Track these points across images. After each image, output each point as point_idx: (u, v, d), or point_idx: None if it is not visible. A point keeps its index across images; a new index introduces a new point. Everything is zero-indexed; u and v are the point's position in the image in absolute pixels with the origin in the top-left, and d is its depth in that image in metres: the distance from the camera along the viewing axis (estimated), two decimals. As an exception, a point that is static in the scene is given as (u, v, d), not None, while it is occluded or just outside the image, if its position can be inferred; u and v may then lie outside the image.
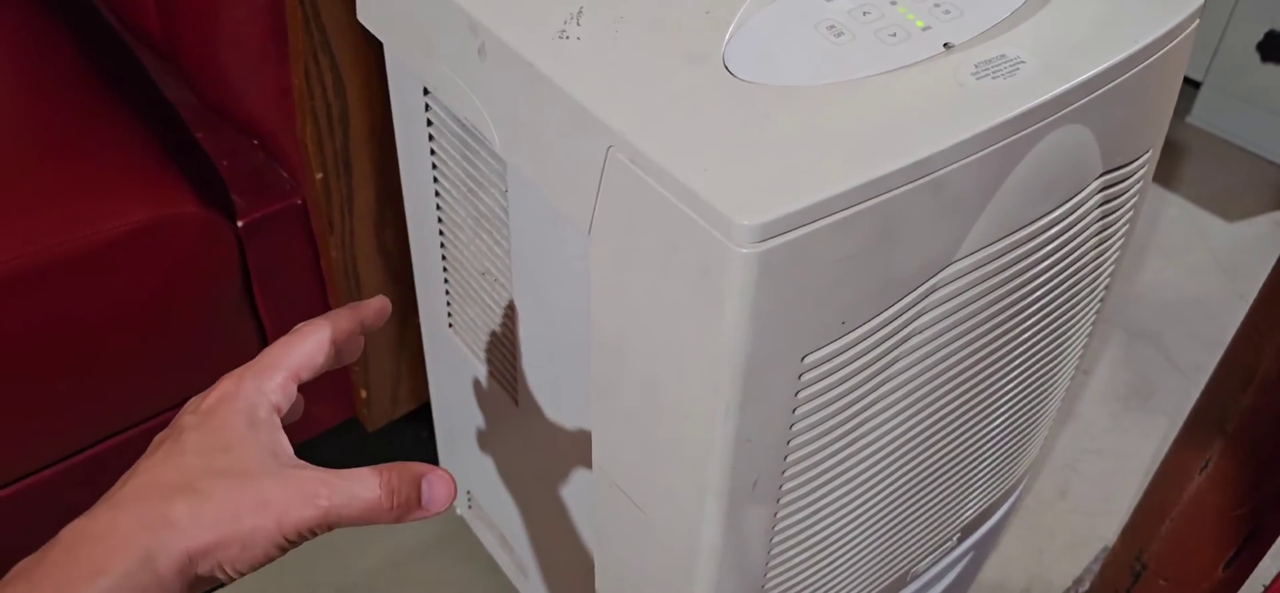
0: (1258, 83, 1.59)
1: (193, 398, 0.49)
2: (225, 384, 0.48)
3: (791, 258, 0.45)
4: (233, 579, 0.44)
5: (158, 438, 0.47)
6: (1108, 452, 1.23)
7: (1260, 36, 1.55)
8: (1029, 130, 0.50)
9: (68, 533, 0.42)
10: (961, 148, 0.48)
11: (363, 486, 0.46)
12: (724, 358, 0.48)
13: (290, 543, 0.44)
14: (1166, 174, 1.62)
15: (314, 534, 0.45)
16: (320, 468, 0.46)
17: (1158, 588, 0.81)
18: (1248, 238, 1.48)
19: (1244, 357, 0.68)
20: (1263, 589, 0.75)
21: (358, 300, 0.55)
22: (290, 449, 0.47)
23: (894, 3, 0.56)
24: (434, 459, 1.04)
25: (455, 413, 0.92)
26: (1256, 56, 1.57)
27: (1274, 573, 0.76)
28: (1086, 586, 1.10)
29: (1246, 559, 0.76)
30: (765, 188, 0.45)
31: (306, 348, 0.50)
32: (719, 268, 0.45)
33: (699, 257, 0.46)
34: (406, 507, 0.47)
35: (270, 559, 0.44)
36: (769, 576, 0.62)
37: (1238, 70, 1.61)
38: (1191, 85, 1.71)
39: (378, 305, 0.55)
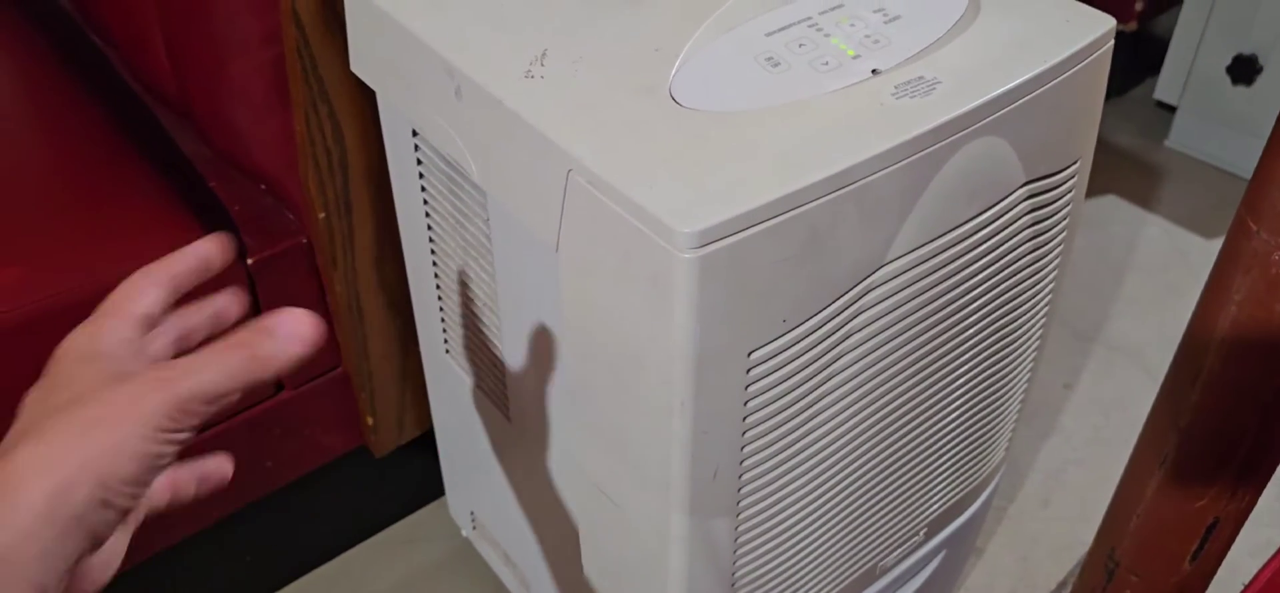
0: (1230, 105, 1.65)
1: None
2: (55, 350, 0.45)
3: (730, 261, 0.51)
4: (130, 505, 0.41)
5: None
6: (1089, 462, 1.27)
7: (1229, 60, 1.61)
8: (944, 142, 0.56)
9: None
10: (880, 159, 0.54)
11: (212, 350, 0.43)
12: (676, 355, 0.54)
13: (166, 438, 0.41)
14: (1146, 195, 1.68)
15: (187, 420, 0.41)
16: None
17: (1130, 585, 0.84)
18: (1226, 254, 1.52)
19: (1192, 355, 0.72)
20: (1241, 587, 0.78)
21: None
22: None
23: (828, 35, 0.62)
24: (440, 486, 1.09)
25: (456, 436, 0.98)
26: (1227, 79, 1.63)
27: (1253, 572, 0.79)
28: (1068, 588, 1.14)
29: (1212, 552, 0.80)
30: (704, 199, 0.51)
31: (125, 287, 0.48)
32: (666, 273, 0.51)
33: (649, 264, 0.52)
34: (261, 353, 0.43)
35: (156, 467, 0.41)
36: (738, 564, 0.68)
37: (1210, 94, 1.67)
38: (1168, 110, 1.77)
39: (219, 241, 0.51)
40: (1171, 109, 1.75)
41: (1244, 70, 1.60)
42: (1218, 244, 0.65)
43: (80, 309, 0.77)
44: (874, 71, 0.60)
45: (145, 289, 0.48)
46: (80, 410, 0.40)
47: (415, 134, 0.73)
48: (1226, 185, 1.69)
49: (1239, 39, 1.60)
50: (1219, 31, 1.62)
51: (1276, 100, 1.57)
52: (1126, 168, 1.75)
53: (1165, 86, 1.74)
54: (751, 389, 0.57)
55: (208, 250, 0.51)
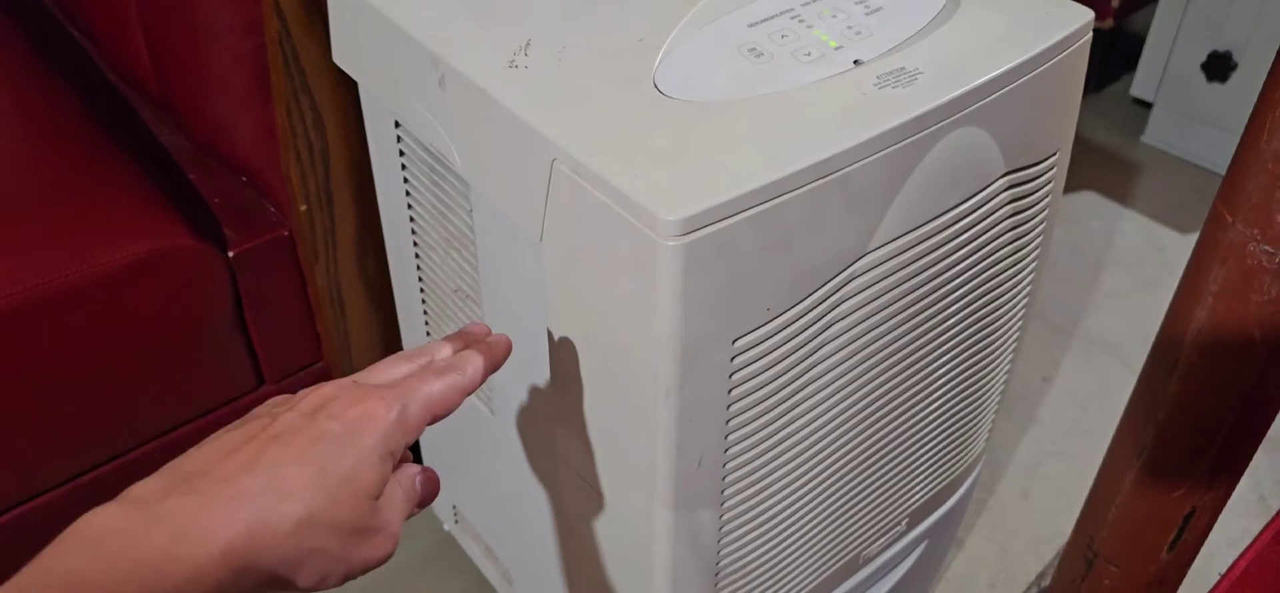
0: (1205, 101, 1.67)
1: (326, 389, 0.50)
2: (373, 408, 0.50)
3: (715, 249, 0.51)
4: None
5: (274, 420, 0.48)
6: (1068, 454, 1.28)
7: (1204, 57, 1.63)
8: (925, 132, 0.56)
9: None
10: (862, 148, 0.54)
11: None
12: (661, 343, 0.54)
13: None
14: (1123, 191, 1.69)
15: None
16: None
17: (1108, 574, 0.85)
18: (1201, 249, 1.54)
19: (1168, 346, 0.73)
20: (1218, 576, 0.79)
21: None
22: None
23: (810, 26, 0.62)
24: (421, 479, 1.09)
25: (438, 430, 0.97)
26: (1202, 76, 1.64)
27: (1230, 561, 0.80)
28: (1048, 579, 1.15)
29: (1189, 542, 0.81)
30: (688, 187, 0.51)
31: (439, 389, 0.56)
32: (651, 261, 0.51)
33: (634, 252, 0.52)
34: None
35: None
36: (722, 554, 0.68)
37: (1185, 90, 1.69)
38: (1144, 106, 1.78)
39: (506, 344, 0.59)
40: (1147, 106, 1.77)
41: (1218, 67, 1.62)
42: (1193, 239, 0.66)
43: (59, 302, 0.77)
44: (856, 62, 0.60)
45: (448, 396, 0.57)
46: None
47: (398, 125, 0.73)
48: (1202, 181, 1.71)
49: (1213, 36, 1.62)
50: (1194, 29, 1.64)
51: (1251, 97, 1.57)
52: (1103, 164, 1.76)
53: (1141, 83, 1.75)
54: (736, 378, 0.57)
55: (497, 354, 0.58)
